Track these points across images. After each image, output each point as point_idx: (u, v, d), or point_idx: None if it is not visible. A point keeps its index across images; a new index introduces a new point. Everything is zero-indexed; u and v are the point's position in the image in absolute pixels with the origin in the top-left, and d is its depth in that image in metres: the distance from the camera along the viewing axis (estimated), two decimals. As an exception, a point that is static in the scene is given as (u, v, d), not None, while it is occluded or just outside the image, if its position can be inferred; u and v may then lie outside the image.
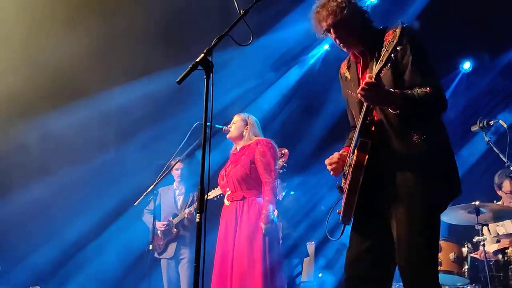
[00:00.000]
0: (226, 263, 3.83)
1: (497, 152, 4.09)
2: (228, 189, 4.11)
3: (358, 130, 2.21)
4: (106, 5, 5.55)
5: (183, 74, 2.08)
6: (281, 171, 4.74)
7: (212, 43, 2.16)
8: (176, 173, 5.44)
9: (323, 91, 7.11)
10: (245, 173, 3.99)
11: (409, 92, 2.11)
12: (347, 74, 2.49)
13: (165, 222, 5.23)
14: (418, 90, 2.11)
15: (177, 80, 2.08)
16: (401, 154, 2.16)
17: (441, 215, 4.50)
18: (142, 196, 4.48)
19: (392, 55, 1.99)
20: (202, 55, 2.11)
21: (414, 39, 2.23)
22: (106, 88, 5.81)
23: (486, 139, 4.13)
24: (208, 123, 2.09)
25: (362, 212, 2.27)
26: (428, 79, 2.16)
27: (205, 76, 2.12)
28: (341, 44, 2.37)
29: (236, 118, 4.27)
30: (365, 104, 2.16)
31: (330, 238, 2.59)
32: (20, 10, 5.33)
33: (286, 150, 4.81)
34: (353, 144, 2.28)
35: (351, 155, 2.28)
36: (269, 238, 3.85)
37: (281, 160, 4.76)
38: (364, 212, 2.28)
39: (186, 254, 5.20)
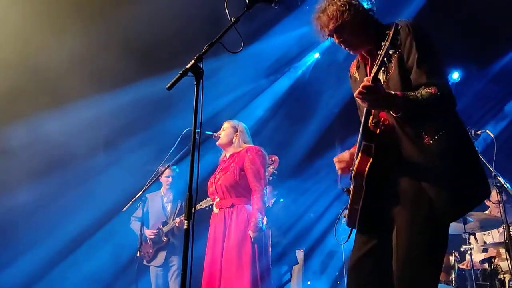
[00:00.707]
0: (214, 271, 3.81)
1: (484, 161, 4.13)
2: (216, 197, 4.10)
3: (360, 133, 2.15)
4: (95, 11, 5.54)
5: (173, 80, 2.08)
6: (271, 178, 4.75)
7: (203, 50, 2.17)
8: (165, 180, 5.42)
9: (313, 98, 7.16)
10: (234, 181, 3.98)
11: (412, 94, 2.02)
12: (357, 75, 2.42)
13: (155, 230, 5.22)
14: (423, 91, 2.02)
15: (167, 86, 2.08)
16: (411, 158, 2.05)
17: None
18: (131, 202, 4.45)
19: (385, 59, 1.95)
20: (193, 61, 2.11)
21: (420, 36, 2.13)
22: (95, 93, 5.78)
23: (474, 148, 4.16)
24: (197, 130, 2.08)
25: (367, 216, 2.20)
26: (434, 78, 2.05)
27: (195, 83, 2.11)
28: (346, 48, 2.31)
29: (226, 125, 4.26)
30: (365, 108, 2.11)
31: (337, 241, 2.55)
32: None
33: (276, 157, 4.83)
34: (357, 146, 2.20)
35: (356, 157, 2.21)
36: (258, 246, 3.83)
37: (271, 167, 4.77)
38: (370, 216, 2.20)
39: (176, 262, 5.19)
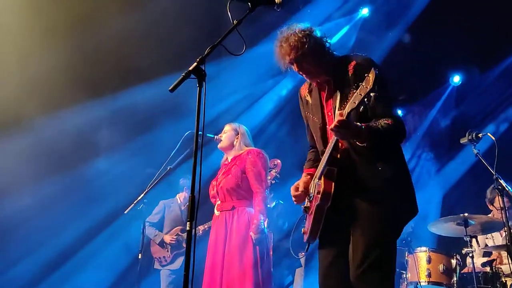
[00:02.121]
0: (216, 273, 3.80)
1: (486, 164, 4.13)
2: (218, 199, 4.10)
3: (326, 159, 2.34)
4: (103, 8, 5.54)
5: (175, 83, 2.08)
6: (273, 181, 4.74)
7: (205, 52, 2.17)
8: (188, 191, 5.51)
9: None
10: (235, 183, 3.98)
11: (374, 125, 2.25)
12: (308, 98, 2.60)
13: (174, 236, 5.40)
14: (382, 122, 2.25)
15: (169, 88, 2.08)
16: (367, 180, 2.31)
17: (429, 226, 4.54)
18: (132, 205, 4.46)
19: (365, 99, 2.09)
20: (195, 63, 2.12)
21: (380, 76, 2.31)
22: (96, 96, 5.80)
23: (475, 151, 4.17)
24: (200, 132, 2.08)
25: (326, 230, 2.40)
26: (389, 111, 2.33)
27: (197, 85, 2.12)
28: (304, 75, 2.49)
29: (227, 127, 4.27)
30: (333, 137, 2.29)
31: (294, 255, 2.82)
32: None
33: (279, 161, 4.82)
34: (319, 170, 2.40)
35: (317, 180, 2.40)
36: (260, 248, 3.83)
37: (273, 170, 4.77)
38: (328, 230, 2.41)
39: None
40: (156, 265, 5.45)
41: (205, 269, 3.89)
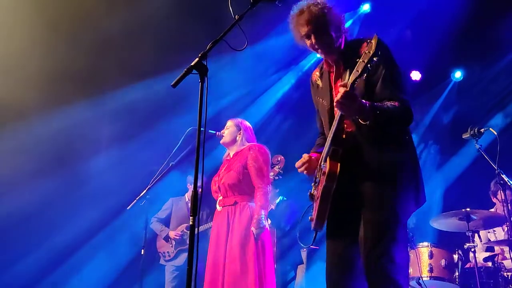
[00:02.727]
0: (218, 268, 3.82)
1: (488, 159, 4.13)
2: (220, 195, 4.11)
3: (330, 139, 2.27)
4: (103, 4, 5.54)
5: (177, 78, 2.09)
6: (277, 177, 4.75)
7: (207, 48, 2.17)
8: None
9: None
10: (237, 179, 3.99)
11: (379, 104, 2.19)
12: (319, 82, 2.55)
13: (179, 232, 5.46)
14: (388, 104, 2.19)
15: (171, 84, 2.09)
16: (372, 163, 2.24)
17: (431, 221, 4.54)
18: (135, 201, 4.48)
19: (369, 65, 2.04)
20: (197, 59, 2.12)
21: (388, 53, 2.31)
22: (98, 93, 5.81)
23: (477, 146, 4.18)
24: (202, 128, 2.09)
25: (334, 217, 2.33)
26: (397, 94, 2.24)
27: (199, 80, 2.12)
28: (319, 50, 2.41)
29: (230, 123, 4.27)
30: (338, 113, 2.22)
31: (301, 244, 2.68)
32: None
33: (282, 157, 4.82)
34: (325, 152, 2.33)
35: (323, 163, 2.34)
36: (262, 243, 3.84)
37: (276, 166, 4.77)
38: (336, 217, 2.34)
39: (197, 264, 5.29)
40: (161, 261, 5.54)
41: (207, 264, 3.90)
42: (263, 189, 3.93)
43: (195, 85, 2.14)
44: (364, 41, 2.31)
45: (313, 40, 2.37)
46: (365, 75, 2.08)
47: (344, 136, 2.29)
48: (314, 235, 2.45)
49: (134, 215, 5.34)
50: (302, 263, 5.68)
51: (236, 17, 2.27)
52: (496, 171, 4.06)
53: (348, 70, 2.22)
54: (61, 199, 5.54)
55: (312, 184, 2.47)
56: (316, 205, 2.36)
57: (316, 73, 2.61)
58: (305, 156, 2.48)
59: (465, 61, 6.88)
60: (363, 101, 2.16)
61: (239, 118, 4.34)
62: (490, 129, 4.16)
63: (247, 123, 4.31)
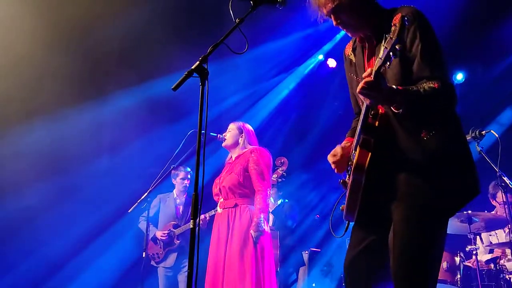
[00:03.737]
0: (218, 271, 3.82)
1: (489, 161, 4.12)
2: (221, 197, 4.12)
3: (359, 127, 2.05)
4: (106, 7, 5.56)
5: (178, 81, 2.08)
6: (280, 180, 4.74)
7: (208, 51, 2.18)
8: (180, 182, 5.44)
9: (317, 100, 7.15)
10: (238, 181, 4.00)
11: (415, 88, 1.94)
12: (352, 57, 2.33)
13: (166, 232, 5.21)
14: (425, 86, 1.93)
15: (172, 87, 2.08)
16: (408, 152, 1.99)
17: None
18: (136, 204, 4.49)
19: (391, 53, 1.81)
20: (198, 62, 2.12)
21: (424, 27, 2.04)
22: (99, 96, 5.82)
23: (478, 148, 4.17)
24: (203, 131, 2.08)
25: (365, 210, 2.13)
26: (437, 73, 1.98)
27: (200, 83, 2.12)
28: (344, 29, 2.21)
29: (232, 126, 4.28)
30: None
31: (334, 235, 2.45)
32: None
33: (285, 159, 4.83)
34: (355, 139, 2.11)
35: (353, 151, 2.14)
36: (261, 247, 3.84)
37: (279, 169, 4.77)
38: (367, 210, 2.14)
39: (187, 263, 5.19)
40: (152, 262, 5.30)
41: (208, 267, 3.90)
42: (263, 192, 3.93)
43: (196, 88, 2.14)
44: (398, 11, 2.06)
45: (334, 22, 2.17)
46: (394, 57, 1.82)
47: (377, 123, 2.04)
48: (346, 225, 2.29)
49: (135, 218, 5.35)
50: (304, 265, 5.67)
51: (236, 20, 2.28)
52: (498, 173, 4.06)
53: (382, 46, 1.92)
54: (61, 203, 5.55)
55: (346, 171, 2.26)
56: (347, 196, 2.17)
57: (349, 47, 2.37)
58: (338, 152, 2.25)
59: (466, 63, 6.88)
60: (393, 87, 1.93)
61: (241, 121, 4.35)
62: (492, 131, 4.15)
63: (249, 126, 4.32)
